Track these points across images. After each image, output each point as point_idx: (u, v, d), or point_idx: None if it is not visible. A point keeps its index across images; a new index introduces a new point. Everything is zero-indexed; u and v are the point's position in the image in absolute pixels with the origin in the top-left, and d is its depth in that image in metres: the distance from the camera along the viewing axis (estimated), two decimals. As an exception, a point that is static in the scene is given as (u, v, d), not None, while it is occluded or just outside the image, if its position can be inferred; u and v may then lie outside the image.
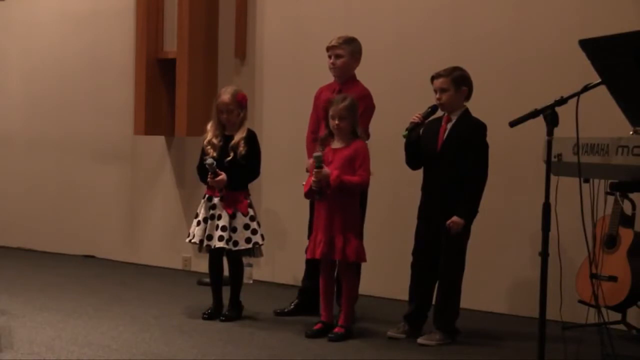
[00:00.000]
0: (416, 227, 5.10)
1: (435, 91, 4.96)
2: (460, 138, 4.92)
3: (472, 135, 4.93)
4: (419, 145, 5.00)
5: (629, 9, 5.35)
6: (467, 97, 4.99)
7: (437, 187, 4.97)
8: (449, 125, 4.96)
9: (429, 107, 4.98)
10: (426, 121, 4.97)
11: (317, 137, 5.43)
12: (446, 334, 4.95)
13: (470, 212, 4.93)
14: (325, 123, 5.13)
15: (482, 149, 4.95)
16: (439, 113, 5.03)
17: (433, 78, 4.99)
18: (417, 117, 4.94)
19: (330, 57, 5.45)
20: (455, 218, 4.86)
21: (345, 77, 5.46)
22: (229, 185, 5.30)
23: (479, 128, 4.95)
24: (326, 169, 4.94)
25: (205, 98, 6.75)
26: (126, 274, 7.19)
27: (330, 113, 5.02)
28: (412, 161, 5.07)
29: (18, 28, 8.42)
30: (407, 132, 4.93)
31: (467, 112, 4.99)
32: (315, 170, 4.93)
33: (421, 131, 5.01)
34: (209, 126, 5.43)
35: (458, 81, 4.93)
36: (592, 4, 5.55)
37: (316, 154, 4.97)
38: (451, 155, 4.91)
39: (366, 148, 5.00)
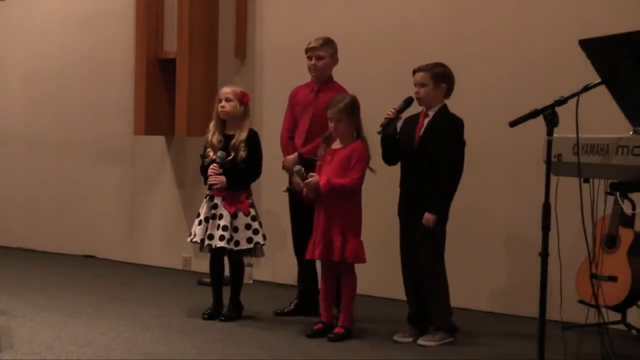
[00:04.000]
0: (399, 226, 5.09)
1: (415, 85, 4.96)
2: (436, 133, 4.89)
3: (447, 131, 4.89)
4: (396, 141, 4.97)
5: (629, 9, 5.34)
6: (447, 94, 4.97)
7: (414, 182, 4.95)
8: (426, 121, 4.95)
9: (403, 100, 4.95)
10: (401, 114, 4.94)
11: (293, 136, 5.56)
12: (445, 332, 4.94)
13: (442, 208, 4.90)
14: None
15: (458, 145, 4.91)
16: (418, 109, 5.01)
17: (415, 72, 4.98)
18: (391, 112, 4.89)
19: (310, 58, 5.54)
20: (427, 214, 4.85)
21: (324, 78, 5.54)
22: (229, 186, 5.30)
23: (455, 124, 4.92)
24: (314, 177, 4.95)
25: (205, 98, 6.75)
26: (126, 274, 7.20)
27: (327, 115, 5.03)
28: (389, 157, 5.03)
29: (18, 28, 8.43)
30: (381, 128, 4.87)
31: (444, 107, 4.96)
32: (303, 183, 4.97)
33: (399, 126, 4.98)
34: (211, 126, 5.44)
35: (438, 77, 4.92)
36: (592, 4, 5.54)
37: (296, 167, 5.04)
38: (428, 150, 4.88)
39: (363, 149, 4.98)
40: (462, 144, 4.93)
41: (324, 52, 5.51)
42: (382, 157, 5.04)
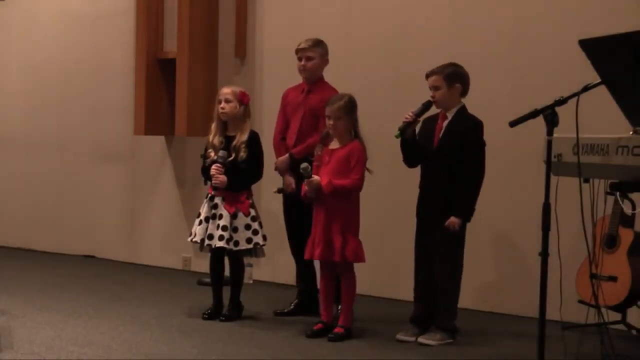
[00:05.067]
0: (416, 226, 5.09)
1: (430, 89, 4.95)
2: (456, 135, 4.88)
3: (467, 133, 4.89)
4: (415, 144, 4.97)
5: (629, 9, 5.35)
6: (463, 93, 4.96)
7: (434, 184, 4.95)
8: (445, 123, 4.94)
9: (422, 104, 4.92)
10: (419, 118, 4.91)
11: (285, 137, 5.58)
12: (446, 332, 4.94)
13: (467, 210, 4.91)
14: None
15: (478, 146, 4.90)
16: (437, 110, 5.01)
17: (427, 76, 4.97)
18: (409, 115, 4.87)
19: (300, 59, 5.55)
20: (452, 218, 4.84)
21: (314, 78, 5.55)
22: (229, 186, 5.30)
23: (475, 125, 4.91)
24: (316, 177, 4.94)
25: (205, 98, 6.75)
26: (126, 274, 7.20)
27: (326, 113, 5.01)
28: (409, 159, 5.02)
29: (18, 28, 8.43)
30: (399, 131, 4.86)
31: (463, 109, 4.95)
32: (306, 180, 4.95)
33: (418, 129, 4.97)
34: (212, 127, 5.43)
35: (450, 78, 4.90)
36: (592, 4, 5.55)
37: (302, 165, 4.98)
38: (447, 152, 4.88)
39: (361, 150, 4.97)
40: (482, 144, 4.91)
41: (313, 53, 5.52)
42: (402, 160, 5.03)
